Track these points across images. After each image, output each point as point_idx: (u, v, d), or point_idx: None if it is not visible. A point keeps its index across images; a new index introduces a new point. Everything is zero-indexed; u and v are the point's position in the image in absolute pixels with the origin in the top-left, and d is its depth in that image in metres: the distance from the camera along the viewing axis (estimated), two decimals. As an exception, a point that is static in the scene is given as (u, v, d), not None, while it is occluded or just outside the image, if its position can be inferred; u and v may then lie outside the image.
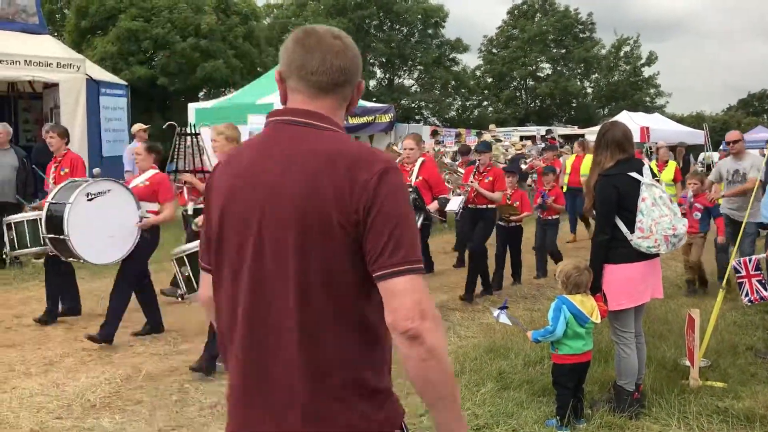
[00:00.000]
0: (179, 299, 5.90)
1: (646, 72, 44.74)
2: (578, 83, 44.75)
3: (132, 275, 5.99)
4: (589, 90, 46.30)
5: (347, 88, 1.72)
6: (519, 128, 28.93)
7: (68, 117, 11.79)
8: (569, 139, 23.19)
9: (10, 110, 14.09)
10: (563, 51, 44.58)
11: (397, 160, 9.51)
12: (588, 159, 10.16)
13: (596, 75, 45.84)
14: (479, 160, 8.12)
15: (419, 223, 7.31)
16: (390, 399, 1.64)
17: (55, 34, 25.48)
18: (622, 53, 45.22)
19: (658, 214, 4.08)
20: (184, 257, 5.25)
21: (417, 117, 40.08)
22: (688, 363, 4.79)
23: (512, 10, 45.68)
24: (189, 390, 4.84)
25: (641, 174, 4.20)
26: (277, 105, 9.07)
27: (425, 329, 1.48)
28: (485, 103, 46.69)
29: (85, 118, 12.01)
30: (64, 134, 7.07)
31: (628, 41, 44.91)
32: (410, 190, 7.19)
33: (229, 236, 1.64)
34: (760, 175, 7.04)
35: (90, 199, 5.73)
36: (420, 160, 7.60)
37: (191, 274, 5.17)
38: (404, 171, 7.40)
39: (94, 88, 12.30)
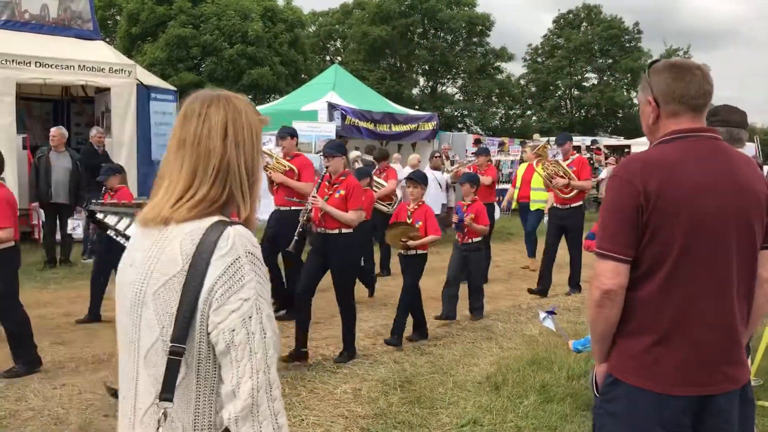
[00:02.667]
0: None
1: (695, 83, 43.76)
2: (625, 93, 44.12)
3: None
4: (636, 101, 45.55)
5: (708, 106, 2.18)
6: (563, 138, 28.57)
7: (119, 121, 12.08)
8: (615, 150, 22.87)
9: (63, 114, 14.49)
10: (610, 61, 44.00)
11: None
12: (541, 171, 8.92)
13: (643, 85, 45.02)
14: (327, 167, 5.86)
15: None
16: None
17: (107, 40, 26.14)
18: (670, 63, 44.35)
19: None
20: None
21: (460, 125, 39.97)
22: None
23: (558, 19, 45.29)
24: (232, 392, 4.88)
25: None
26: (322, 112, 9.37)
27: None
28: (529, 112, 46.33)
29: (135, 122, 12.27)
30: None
31: (677, 51, 44.12)
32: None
33: (701, 231, 2.02)
34: None
35: None
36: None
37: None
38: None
39: (144, 93, 12.56)
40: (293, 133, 7.14)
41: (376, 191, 9.03)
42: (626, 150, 22.36)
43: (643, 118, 2.22)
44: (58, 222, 9.84)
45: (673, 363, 2.05)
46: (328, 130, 12.75)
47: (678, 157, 2.06)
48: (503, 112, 45.18)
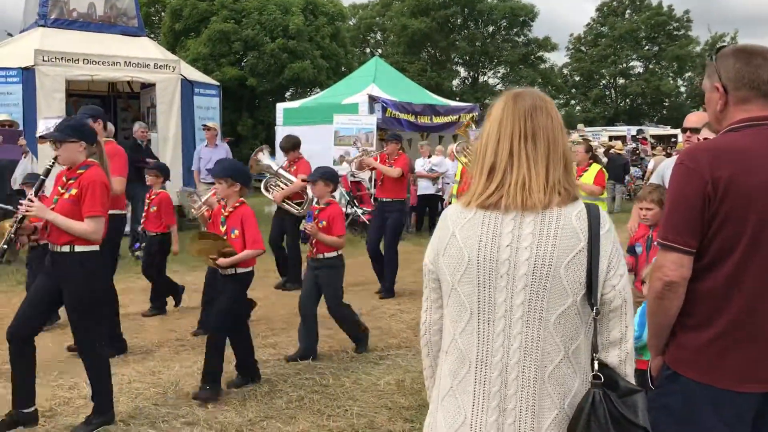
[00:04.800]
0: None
1: (744, 69, 42.54)
2: (671, 82, 43.13)
3: None
4: (683, 89, 44.53)
5: None
6: (608, 128, 28.16)
7: (164, 116, 12.29)
8: (661, 139, 22.39)
9: (110, 109, 14.80)
10: (656, 49, 43.05)
11: None
12: None
13: (690, 73, 44.04)
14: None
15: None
16: None
17: (152, 36, 26.56)
18: (718, 50, 43.20)
19: None
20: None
21: (501, 116, 39.53)
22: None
23: (601, 7, 44.48)
24: (277, 382, 4.95)
25: None
26: (362, 105, 9.21)
27: None
28: (573, 102, 45.68)
29: (180, 117, 12.47)
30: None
31: (723, 38, 42.91)
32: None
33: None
34: None
35: None
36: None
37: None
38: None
39: (188, 88, 12.75)
40: (96, 115, 5.43)
41: (282, 188, 7.89)
42: (672, 139, 21.87)
43: (710, 106, 2.15)
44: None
45: (740, 358, 1.99)
46: (369, 122, 12.76)
47: (748, 146, 1.99)
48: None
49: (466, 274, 1.76)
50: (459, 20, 40.37)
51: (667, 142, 21.92)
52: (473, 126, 7.36)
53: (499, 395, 1.72)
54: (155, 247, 6.93)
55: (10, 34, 19.96)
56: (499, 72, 43.14)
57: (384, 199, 7.99)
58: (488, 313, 1.74)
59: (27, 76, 11.09)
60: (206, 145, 10.83)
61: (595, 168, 7.53)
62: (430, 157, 13.02)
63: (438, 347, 1.89)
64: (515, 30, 41.17)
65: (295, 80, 28.16)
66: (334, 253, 5.54)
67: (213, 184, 10.47)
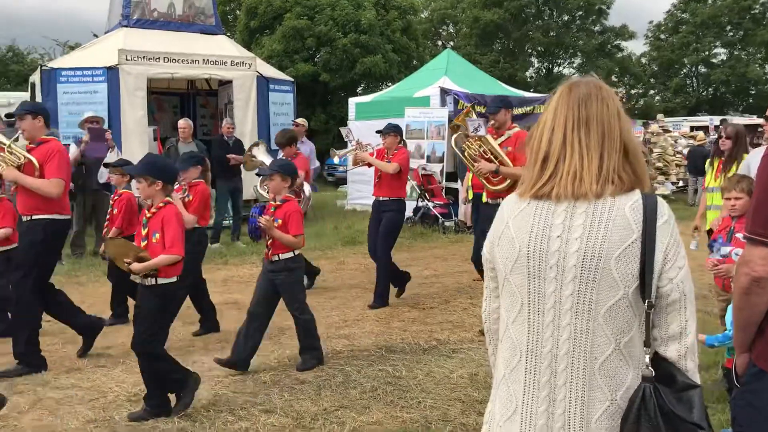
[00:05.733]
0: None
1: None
2: (758, 68, 41.13)
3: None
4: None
5: None
6: (689, 118, 27.12)
7: (240, 112, 12.59)
8: (747, 129, 21.42)
9: (189, 106, 15.27)
10: (741, 34, 41.14)
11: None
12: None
13: (779, 59, 41.89)
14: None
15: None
16: None
17: (228, 34, 27.22)
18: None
19: None
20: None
21: (576, 107, 38.62)
22: None
23: (682, -7, 42.82)
24: (351, 373, 5.01)
25: None
26: (434, 97, 9.01)
27: None
28: (652, 91, 44.19)
29: (256, 113, 12.76)
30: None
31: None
32: None
33: None
34: None
35: None
36: None
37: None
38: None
39: (263, 84, 13.02)
40: (37, 110, 5.21)
41: None
42: (759, 129, 20.87)
43: None
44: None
45: None
46: (441, 115, 12.71)
47: None
48: (624, 92, 43.32)
49: (517, 264, 1.77)
50: (533, 10, 39.64)
51: (752, 131, 20.97)
52: (473, 114, 6.29)
53: (548, 385, 1.72)
54: None
55: (95, 35, 20.85)
56: (574, 62, 42.17)
57: (380, 198, 7.19)
58: (538, 303, 1.74)
59: (111, 75, 11.56)
60: None
61: None
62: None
63: (498, 336, 1.91)
64: (591, 19, 40.12)
65: (367, 75, 28.29)
66: (290, 254, 5.03)
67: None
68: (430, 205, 12.16)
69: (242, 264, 9.31)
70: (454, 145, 6.43)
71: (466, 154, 6.13)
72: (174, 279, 4.25)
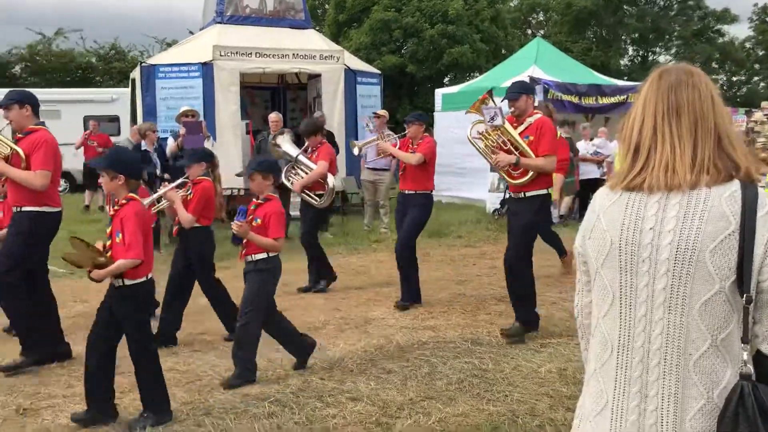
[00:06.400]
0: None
1: None
2: None
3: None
4: None
5: None
6: (797, 105, 25.50)
7: (328, 105, 12.76)
8: None
9: (279, 100, 15.62)
10: None
11: None
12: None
13: None
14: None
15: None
16: None
17: (317, 28, 27.66)
18: None
19: None
20: None
21: (673, 95, 37.03)
22: None
23: (792, -28, 40.26)
24: (437, 364, 5.01)
25: None
26: None
27: None
28: (756, 78, 41.84)
29: (343, 105, 12.91)
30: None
31: None
32: None
33: None
34: None
35: None
36: None
37: None
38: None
39: (351, 77, 13.15)
40: (24, 99, 5.03)
41: (302, 177, 7.21)
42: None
43: None
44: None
45: None
46: (530, 105, 12.49)
47: None
48: (725, 78, 41.25)
49: (608, 257, 1.72)
50: (627, -4, 38.29)
51: None
52: (490, 101, 5.65)
53: (640, 381, 1.67)
54: None
55: (191, 32, 21.63)
56: (671, 49, 40.44)
57: (406, 192, 6.74)
58: (630, 297, 1.69)
59: (206, 70, 11.97)
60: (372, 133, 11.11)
61: None
62: (592, 140, 12.53)
63: (590, 330, 1.87)
64: (690, 3, 38.35)
65: (454, 65, 28.12)
66: (263, 255, 4.73)
67: (376, 170, 10.96)
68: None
69: (335, 255, 9.44)
70: (469, 137, 5.90)
71: (483, 145, 5.63)
72: (143, 279, 4.01)
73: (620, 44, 39.38)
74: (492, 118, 5.52)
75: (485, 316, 6.30)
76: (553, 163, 5.51)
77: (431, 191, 6.84)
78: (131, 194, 4.00)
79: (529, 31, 40.84)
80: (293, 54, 12.62)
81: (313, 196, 7.14)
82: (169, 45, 25.91)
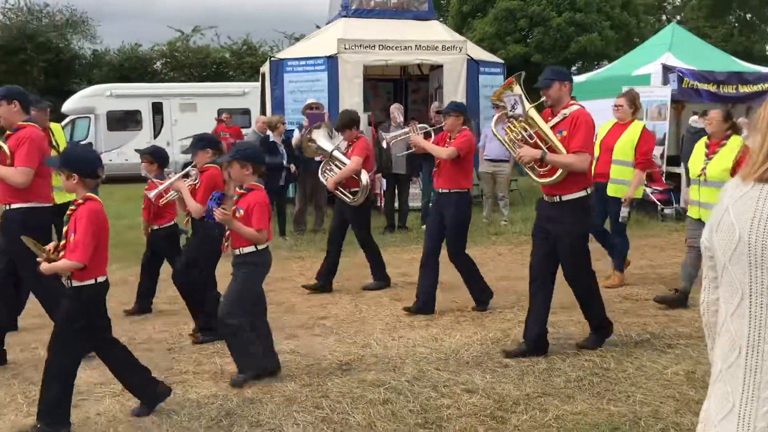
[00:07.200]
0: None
1: None
2: None
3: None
4: None
5: None
6: None
7: (450, 96, 12.67)
8: None
9: (401, 92, 15.73)
10: None
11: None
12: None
13: None
14: None
15: None
16: None
17: (440, 19, 27.60)
18: None
19: None
20: None
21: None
22: None
23: None
24: (555, 360, 4.89)
25: None
26: (655, 76, 7.60)
27: None
28: None
29: (465, 96, 12.81)
30: None
31: None
32: None
33: None
34: None
35: None
36: None
37: None
38: None
39: (473, 67, 13.02)
40: (11, 95, 4.98)
41: (336, 173, 6.92)
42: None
43: None
44: (396, 191, 10.79)
45: None
46: (662, 94, 11.86)
47: None
48: None
49: (736, 252, 1.60)
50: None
51: None
52: (515, 88, 4.91)
53: None
54: (164, 244, 6.11)
55: (317, 26, 22.20)
56: (825, 31, 37.14)
57: (440, 190, 6.21)
58: (760, 296, 1.56)
59: (331, 63, 12.26)
60: None
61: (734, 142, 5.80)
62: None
63: (716, 329, 1.75)
64: None
65: (582, 54, 27.24)
66: (251, 248, 4.53)
67: (495, 161, 10.83)
68: (648, 190, 11.43)
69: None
70: (493, 127, 5.31)
71: (507, 138, 4.99)
72: (90, 282, 3.85)
73: (766, 28, 36.60)
74: (513, 107, 4.88)
75: (609, 314, 6.06)
76: (586, 162, 4.77)
77: (468, 190, 6.21)
78: (89, 194, 3.88)
79: (664, 17, 38.82)
80: (416, 45, 12.65)
81: (346, 193, 6.87)
82: (297, 40, 26.73)
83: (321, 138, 7.21)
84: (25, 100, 5.03)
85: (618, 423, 3.88)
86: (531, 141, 4.84)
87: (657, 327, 5.67)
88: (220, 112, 16.97)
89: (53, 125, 7.30)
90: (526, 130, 4.86)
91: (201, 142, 5.55)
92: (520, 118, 4.86)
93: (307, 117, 9.77)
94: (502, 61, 14.49)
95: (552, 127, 4.85)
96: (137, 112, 21.34)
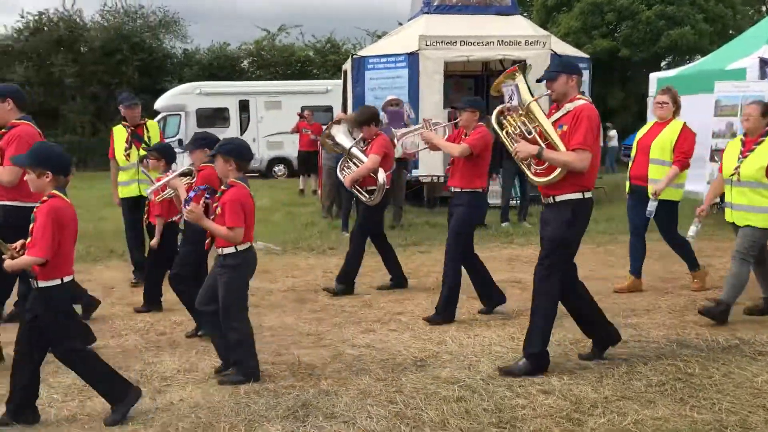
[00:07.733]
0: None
1: None
2: None
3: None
4: None
5: None
6: None
7: (533, 92, 12.50)
8: None
9: (482, 88, 15.58)
10: None
11: None
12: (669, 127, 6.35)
13: None
14: None
15: None
16: None
17: (524, 14, 27.13)
18: None
19: None
20: None
21: None
22: None
23: None
24: (636, 364, 4.75)
25: None
26: (751, 70, 7.12)
27: None
28: None
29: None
30: None
31: None
32: None
33: None
34: None
35: None
36: None
37: None
38: None
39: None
40: (5, 93, 5.04)
41: (354, 168, 6.75)
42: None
43: None
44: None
45: None
46: (758, 89, 11.24)
47: None
48: None
49: None
50: None
51: None
52: (518, 74, 4.60)
53: None
54: (173, 239, 6.21)
55: (400, 23, 22.27)
56: None
57: (453, 189, 5.99)
58: None
59: (412, 60, 12.28)
60: None
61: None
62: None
63: None
64: None
65: (673, 48, 26.23)
66: (230, 249, 4.39)
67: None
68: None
69: (527, 244, 9.32)
70: (493, 121, 4.79)
71: (504, 132, 4.63)
72: (56, 282, 3.81)
73: None
74: (510, 98, 4.60)
75: (694, 317, 5.85)
76: (585, 161, 4.34)
77: (481, 189, 5.93)
78: (54, 191, 3.82)
79: (764, 8, 36.86)
80: (498, 41, 12.51)
81: (363, 192, 6.71)
82: (379, 37, 26.87)
83: (340, 134, 7.05)
84: (19, 98, 5.04)
85: (702, 431, 3.73)
86: (529, 136, 4.51)
87: (747, 332, 5.41)
88: (303, 109, 17.29)
89: (150, 122, 7.62)
90: (525, 125, 4.54)
91: (199, 141, 5.39)
92: (520, 111, 4.56)
93: (387, 114, 9.82)
94: (587, 56, 14.13)
95: (554, 122, 4.52)
96: (225, 110, 22.07)
